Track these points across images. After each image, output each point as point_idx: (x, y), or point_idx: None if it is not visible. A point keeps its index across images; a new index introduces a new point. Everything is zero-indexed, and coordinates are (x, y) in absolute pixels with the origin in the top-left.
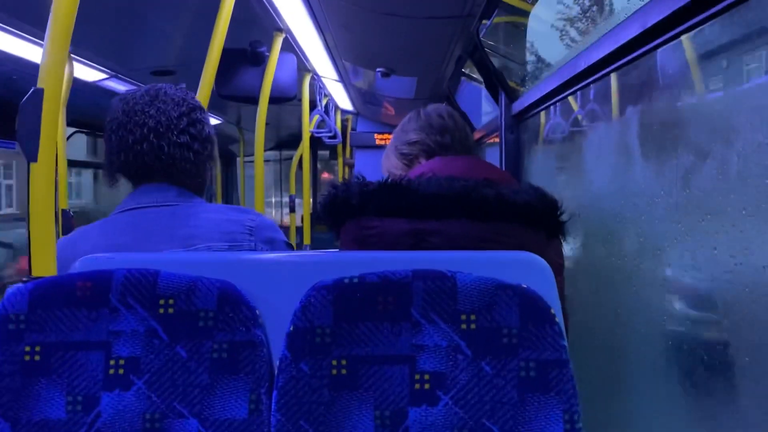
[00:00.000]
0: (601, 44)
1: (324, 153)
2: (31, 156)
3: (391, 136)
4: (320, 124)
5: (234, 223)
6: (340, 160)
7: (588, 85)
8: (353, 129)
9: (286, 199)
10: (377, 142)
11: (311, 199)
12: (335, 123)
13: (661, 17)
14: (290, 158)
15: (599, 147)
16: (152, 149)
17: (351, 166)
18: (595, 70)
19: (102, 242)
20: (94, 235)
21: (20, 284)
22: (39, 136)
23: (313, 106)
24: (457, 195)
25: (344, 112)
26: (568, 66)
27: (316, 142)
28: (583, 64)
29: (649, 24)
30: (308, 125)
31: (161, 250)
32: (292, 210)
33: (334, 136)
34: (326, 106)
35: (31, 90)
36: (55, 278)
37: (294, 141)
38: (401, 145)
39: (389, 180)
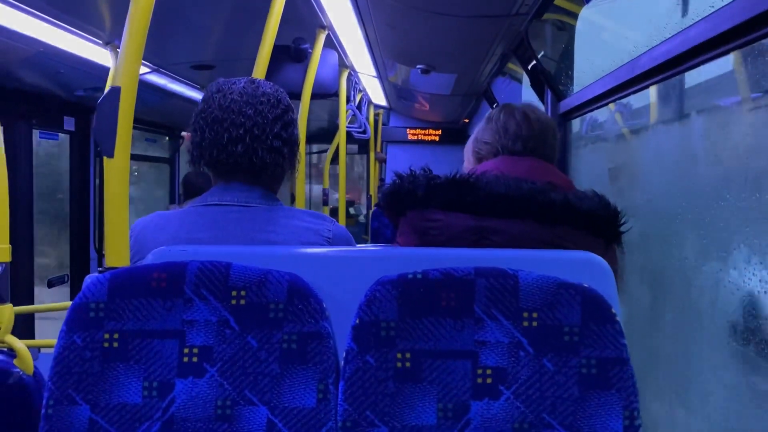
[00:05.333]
0: (666, 46)
1: (352, 147)
2: (108, 152)
3: (424, 132)
4: (351, 119)
5: (313, 233)
6: (371, 154)
7: (647, 87)
8: (385, 123)
9: (315, 193)
10: (409, 136)
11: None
12: (367, 118)
13: (737, 22)
14: (319, 152)
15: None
16: (246, 151)
17: (382, 161)
18: (656, 72)
19: (180, 235)
20: (173, 225)
21: (98, 274)
22: (115, 133)
23: (347, 100)
24: (524, 196)
25: (377, 107)
26: (627, 67)
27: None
28: (643, 66)
29: (723, 29)
30: (344, 120)
31: None
32: (326, 203)
33: (364, 131)
34: (359, 101)
35: (109, 89)
36: (132, 269)
37: (323, 135)
38: (477, 142)
39: (457, 175)
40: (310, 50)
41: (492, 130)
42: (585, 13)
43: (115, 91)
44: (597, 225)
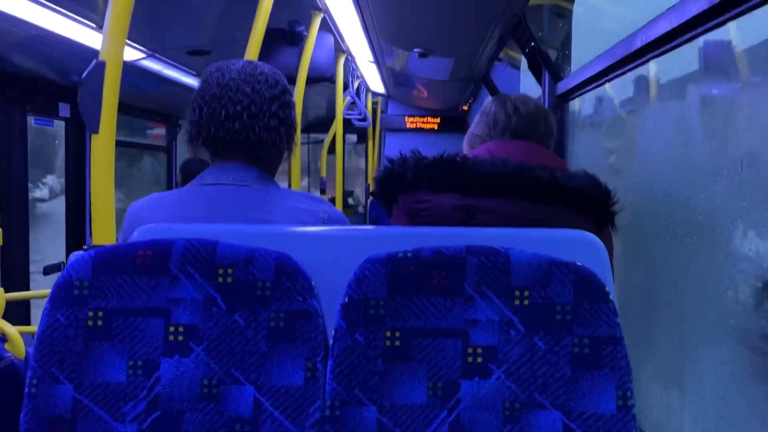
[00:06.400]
0: (663, 20)
1: (351, 136)
2: (93, 127)
3: (422, 120)
4: (350, 107)
5: (308, 214)
6: (370, 143)
7: (644, 63)
8: (383, 111)
9: (311, 183)
10: (408, 125)
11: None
12: (365, 105)
13: None
14: (317, 141)
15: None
16: (244, 128)
17: None
18: (653, 47)
19: (176, 213)
20: (169, 203)
21: (82, 252)
22: (100, 108)
23: (344, 87)
24: (509, 174)
25: (375, 94)
26: (622, 44)
27: (344, 125)
28: (639, 42)
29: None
30: (342, 107)
31: None
32: (323, 192)
33: (364, 119)
34: (357, 88)
35: (93, 63)
36: (117, 246)
37: (321, 124)
38: (470, 135)
39: (444, 156)
40: (306, 33)
41: (483, 123)
42: None
43: (100, 65)
44: (587, 205)
